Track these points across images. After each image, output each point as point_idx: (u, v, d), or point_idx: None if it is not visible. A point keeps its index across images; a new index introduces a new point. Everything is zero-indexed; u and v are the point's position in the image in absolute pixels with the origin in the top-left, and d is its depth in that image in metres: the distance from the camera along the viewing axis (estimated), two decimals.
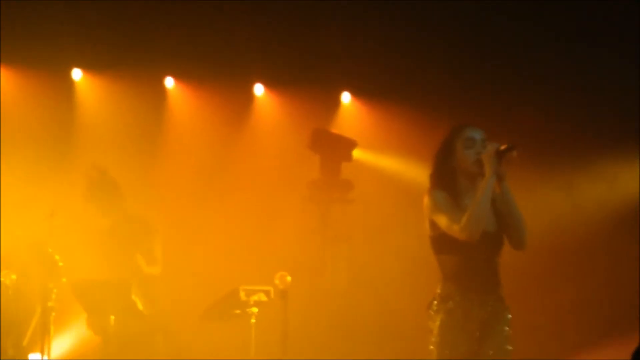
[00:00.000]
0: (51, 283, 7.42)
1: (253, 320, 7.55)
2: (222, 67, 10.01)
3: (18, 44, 9.46)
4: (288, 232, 9.98)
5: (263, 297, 7.54)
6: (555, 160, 10.06)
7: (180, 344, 8.04)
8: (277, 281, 7.23)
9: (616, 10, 9.56)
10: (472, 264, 5.29)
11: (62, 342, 8.90)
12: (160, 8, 9.76)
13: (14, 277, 8.02)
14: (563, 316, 9.87)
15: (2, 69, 9.75)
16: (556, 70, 9.93)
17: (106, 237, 8.05)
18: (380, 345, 9.53)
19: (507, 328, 5.36)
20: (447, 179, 5.37)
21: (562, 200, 10.12)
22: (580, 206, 10.11)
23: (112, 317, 7.52)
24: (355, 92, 10.57)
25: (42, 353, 7.40)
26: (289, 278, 7.21)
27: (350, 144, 10.23)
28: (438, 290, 5.36)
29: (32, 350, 7.96)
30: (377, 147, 10.41)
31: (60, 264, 7.42)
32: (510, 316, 5.38)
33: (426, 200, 5.35)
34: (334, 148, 10.19)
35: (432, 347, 5.32)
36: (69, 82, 9.99)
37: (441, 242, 5.33)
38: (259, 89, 10.46)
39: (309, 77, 10.20)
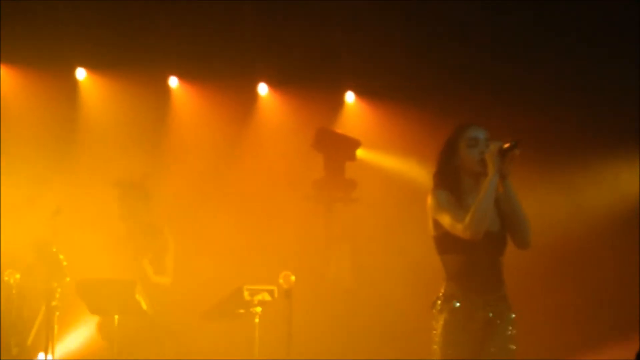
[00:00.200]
0: (55, 282, 7.44)
1: (257, 320, 7.55)
2: (226, 67, 10.01)
3: (22, 43, 9.47)
4: (292, 231, 9.98)
5: (267, 297, 7.54)
6: (557, 162, 10.06)
7: (184, 343, 8.04)
8: (281, 281, 7.23)
9: (617, 10, 9.55)
10: (475, 264, 5.29)
11: (67, 342, 8.91)
12: (164, 7, 9.76)
13: (18, 276, 8.03)
14: (565, 316, 9.86)
15: (6, 69, 9.76)
16: (558, 70, 9.92)
17: (119, 242, 8.12)
18: (384, 345, 9.53)
19: (510, 328, 5.36)
20: (451, 178, 5.37)
21: (564, 202, 10.12)
22: (582, 207, 10.11)
23: (116, 317, 7.54)
24: (359, 92, 10.57)
25: (46, 352, 7.41)
26: (293, 277, 7.21)
27: (354, 144, 10.23)
28: (442, 290, 5.36)
29: (36, 350, 7.96)
30: (380, 147, 10.41)
31: (65, 263, 7.43)
32: (514, 316, 5.37)
33: (429, 199, 5.35)
34: (337, 147, 10.19)
35: (435, 346, 5.32)
36: (73, 82, 10.00)
37: (445, 241, 5.33)
38: (262, 89, 10.46)
39: (313, 76, 10.19)
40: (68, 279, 7.49)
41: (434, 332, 5.35)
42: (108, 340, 7.73)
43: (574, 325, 9.80)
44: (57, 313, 7.48)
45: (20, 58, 9.63)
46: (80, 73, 10.03)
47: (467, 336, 5.28)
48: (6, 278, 8.09)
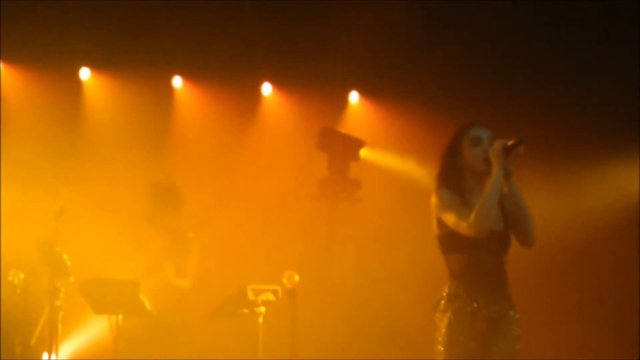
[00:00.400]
0: (59, 282, 7.45)
1: (261, 320, 7.55)
2: (230, 66, 10.02)
3: (26, 43, 9.49)
4: (296, 231, 9.98)
5: (271, 297, 7.54)
6: (558, 163, 10.05)
7: (188, 343, 8.04)
8: (285, 280, 7.23)
9: (617, 11, 9.55)
10: (479, 263, 5.28)
11: (71, 342, 8.92)
12: (168, 7, 9.77)
13: (22, 276, 8.04)
14: (568, 316, 9.86)
15: (10, 68, 9.77)
16: (560, 71, 9.92)
17: (144, 244, 8.15)
18: (388, 344, 9.53)
19: (515, 327, 5.35)
20: (455, 177, 5.37)
21: (565, 203, 10.10)
22: (583, 208, 10.10)
23: (120, 316, 7.54)
24: (363, 92, 10.57)
25: (50, 352, 7.42)
26: (296, 277, 7.21)
27: (358, 143, 10.22)
28: (445, 290, 5.35)
29: (40, 349, 7.97)
30: (384, 147, 10.40)
31: (68, 262, 7.43)
32: (517, 316, 5.37)
33: (433, 199, 5.34)
34: (341, 147, 10.18)
35: (439, 346, 5.31)
36: (77, 81, 10.01)
37: (448, 241, 5.32)
38: (266, 88, 10.47)
39: (317, 76, 10.19)
40: (72, 278, 7.50)
41: (438, 332, 5.34)
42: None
43: (576, 325, 9.79)
44: (61, 313, 7.49)
45: (25, 58, 9.65)
46: (84, 73, 10.04)
47: (471, 336, 5.27)
48: (10, 278, 8.10)
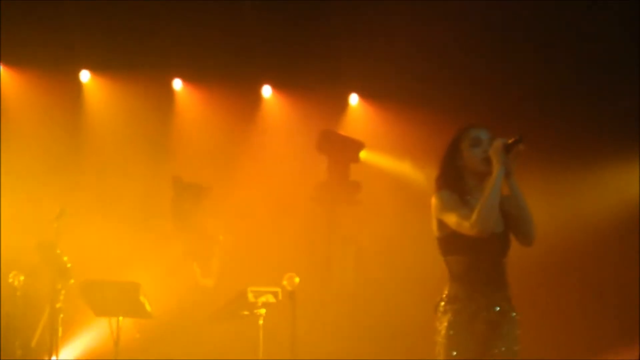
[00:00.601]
0: (59, 284, 7.45)
1: (261, 322, 7.56)
2: (230, 69, 10.03)
3: (26, 45, 9.49)
4: (296, 233, 9.98)
5: (271, 299, 7.54)
6: (558, 165, 10.06)
7: (189, 345, 8.04)
8: (285, 282, 7.23)
9: (617, 14, 9.55)
10: (479, 265, 5.28)
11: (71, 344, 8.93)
12: (168, 10, 9.78)
13: (22, 278, 8.04)
14: (568, 317, 9.87)
15: (10, 71, 9.77)
16: (559, 73, 9.92)
17: (171, 242, 8.18)
18: (388, 346, 9.53)
19: (515, 329, 5.35)
20: (455, 179, 5.36)
21: (565, 205, 10.11)
22: (584, 211, 10.10)
23: (120, 318, 7.55)
24: (363, 94, 10.58)
25: (51, 354, 7.42)
26: (297, 279, 7.21)
27: (358, 146, 10.24)
28: (445, 291, 5.35)
29: (40, 351, 7.97)
30: (384, 149, 10.41)
31: (69, 265, 7.44)
32: (517, 317, 5.37)
33: (434, 200, 5.34)
34: (341, 149, 10.19)
35: (439, 348, 5.31)
36: (77, 84, 10.01)
37: (449, 243, 5.32)
38: (267, 91, 10.47)
39: (317, 78, 10.20)
40: (72, 280, 7.50)
41: (438, 334, 5.34)
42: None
43: (577, 326, 9.80)
44: (62, 315, 7.49)
45: (25, 60, 9.65)
46: (85, 75, 10.04)
47: (471, 337, 5.27)
48: (10, 280, 8.10)
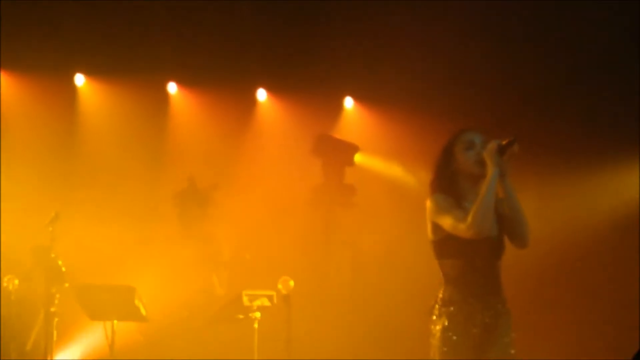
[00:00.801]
0: (54, 288, 7.43)
1: (256, 325, 7.56)
2: (225, 72, 10.03)
3: (21, 49, 9.48)
4: (291, 236, 9.98)
5: (266, 302, 7.54)
6: (557, 167, 10.06)
7: (184, 348, 8.04)
8: (280, 286, 7.24)
9: (616, 16, 9.56)
10: (474, 268, 5.28)
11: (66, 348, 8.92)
12: (162, 14, 9.78)
13: (17, 282, 8.03)
14: (564, 321, 9.87)
15: (4, 74, 9.76)
16: (557, 75, 9.93)
17: (180, 249, 8.21)
18: (384, 350, 9.52)
19: (510, 332, 5.35)
20: (449, 182, 5.37)
21: (565, 207, 10.12)
22: (583, 212, 10.11)
23: (115, 322, 7.54)
24: (357, 97, 10.58)
25: (46, 358, 7.41)
26: (291, 283, 7.21)
27: (353, 149, 10.24)
28: (440, 294, 5.35)
29: (35, 355, 7.96)
30: (379, 152, 10.42)
31: (64, 269, 7.43)
32: (512, 320, 5.37)
33: (429, 204, 5.34)
34: (336, 153, 10.20)
35: (434, 351, 5.31)
36: (72, 88, 10.00)
37: (443, 246, 5.32)
38: (261, 94, 10.47)
39: (312, 82, 10.21)
40: (67, 284, 7.49)
41: (433, 337, 5.34)
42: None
43: (572, 329, 9.80)
44: (56, 319, 7.48)
45: (20, 64, 9.63)
46: (79, 79, 10.03)
47: (466, 341, 5.27)
48: (5, 284, 8.09)
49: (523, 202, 5.36)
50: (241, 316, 7.62)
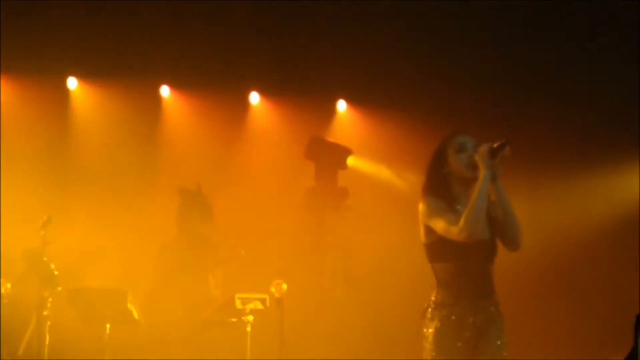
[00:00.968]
0: (46, 292, 7.42)
1: (249, 329, 7.55)
2: (217, 75, 10.02)
3: (12, 53, 9.45)
4: (284, 240, 9.97)
5: (259, 305, 7.54)
6: (547, 171, 10.07)
7: (176, 352, 8.03)
8: (273, 289, 7.23)
9: (615, 16, 9.57)
10: (466, 271, 5.29)
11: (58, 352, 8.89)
12: (155, 17, 9.77)
13: (9, 286, 8.01)
14: (557, 324, 9.88)
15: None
16: (555, 76, 9.94)
17: (177, 252, 8.21)
18: (377, 353, 9.51)
19: (502, 335, 5.36)
20: (441, 185, 5.38)
21: (554, 211, 10.12)
22: (573, 216, 10.12)
23: (108, 326, 7.53)
24: (350, 100, 10.58)
25: None
26: (284, 286, 7.21)
27: (345, 152, 10.24)
28: (432, 297, 5.36)
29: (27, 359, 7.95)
30: (372, 155, 10.42)
31: (56, 272, 7.41)
32: (505, 323, 5.37)
33: (421, 207, 5.35)
34: (329, 156, 10.19)
35: (426, 354, 5.31)
36: (64, 91, 9.99)
37: (436, 249, 5.33)
38: (254, 97, 10.47)
39: (305, 85, 10.21)
40: (59, 288, 7.48)
41: (425, 340, 5.34)
42: None
43: (565, 332, 9.81)
44: (49, 323, 7.46)
45: (12, 68, 9.61)
46: (72, 82, 10.02)
47: (458, 344, 5.28)
48: None
49: (515, 204, 5.38)
50: (234, 319, 7.61)
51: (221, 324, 7.78)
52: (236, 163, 10.26)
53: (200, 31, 9.94)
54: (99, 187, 9.73)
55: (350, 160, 10.25)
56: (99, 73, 9.87)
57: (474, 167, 5.26)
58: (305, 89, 10.21)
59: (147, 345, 8.03)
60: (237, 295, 7.53)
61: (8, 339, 8.15)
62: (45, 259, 7.40)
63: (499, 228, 5.36)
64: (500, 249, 5.40)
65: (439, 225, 5.26)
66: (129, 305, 7.50)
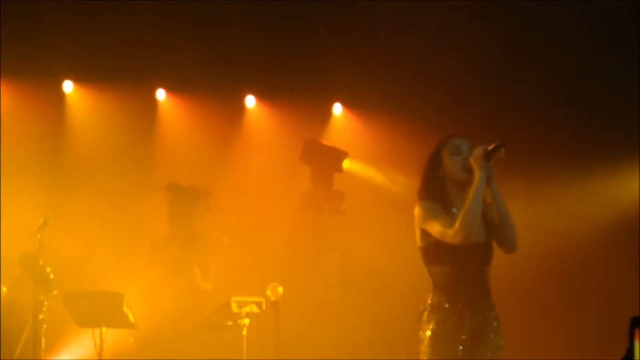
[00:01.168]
0: (42, 295, 7.42)
1: (245, 332, 7.56)
2: (213, 79, 10.02)
3: (8, 56, 9.45)
4: (280, 243, 9.98)
5: (255, 309, 7.54)
6: (543, 173, 10.07)
7: (172, 355, 8.03)
8: (268, 292, 7.22)
9: (614, 19, 9.57)
10: (462, 274, 5.29)
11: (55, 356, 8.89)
12: (150, 20, 9.77)
13: (4, 289, 8.00)
14: (553, 327, 9.88)
15: None
16: (554, 79, 9.94)
17: (167, 247, 8.21)
18: (373, 356, 9.52)
19: (498, 338, 5.36)
20: (436, 188, 5.38)
21: (550, 213, 10.13)
22: (569, 218, 10.12)
23: (104, 329, 7.53)
24: (346, 104, 10.59)
25: None
26: (280, 289, 7.20)
27: (341, 155, 10.24)
28: (429, 300, 5.36)
29: None
30: (368, 158, 10.42)
31: (52, 276, 7.41)
32: (501, 326, 5.37)
33: (417, 210, 5.35)
34: (324, 159, 10.19)
35: (422, 357, 5.31)
36: (60, 94, 9.98)
37: (432, 252, 5.33)
38: (250, 101, 10.47)
39: (301, 88, 10.21)
40: (55, 292, 7.48)
41: (421, 343, 5.34)
42: None
43: (561, 334, 9.81)
44: (45, 326, 7.46)
45: (7, 71, 9.60)
46: (68, 86, 10.01)
47: (454, 346, 5.28)
48: None
49: (512, 206, 5.38)
50: (230, 323, 7.61)
51: (217, 328, 7.78)
52: (232, 166, 10.26)
53: (196, 35, 9.94)
54: (95, 191, 9.73)
55: (346, 164, 10.25)
56: (95, 76, 9.87)
57: (468, 170, 5.27)
58: (301, 92, 10.21)
59: (142, 349, 8.03)
60: (233, 299, 7.54)
61: (4, 343, 8.15)
62: (41, 262, 7.40)
63: (494, 230, 5.36)
64: (497, 251, 5.40)
65: (435, 228, 5.26)
66: (124, 309, 7.50)
